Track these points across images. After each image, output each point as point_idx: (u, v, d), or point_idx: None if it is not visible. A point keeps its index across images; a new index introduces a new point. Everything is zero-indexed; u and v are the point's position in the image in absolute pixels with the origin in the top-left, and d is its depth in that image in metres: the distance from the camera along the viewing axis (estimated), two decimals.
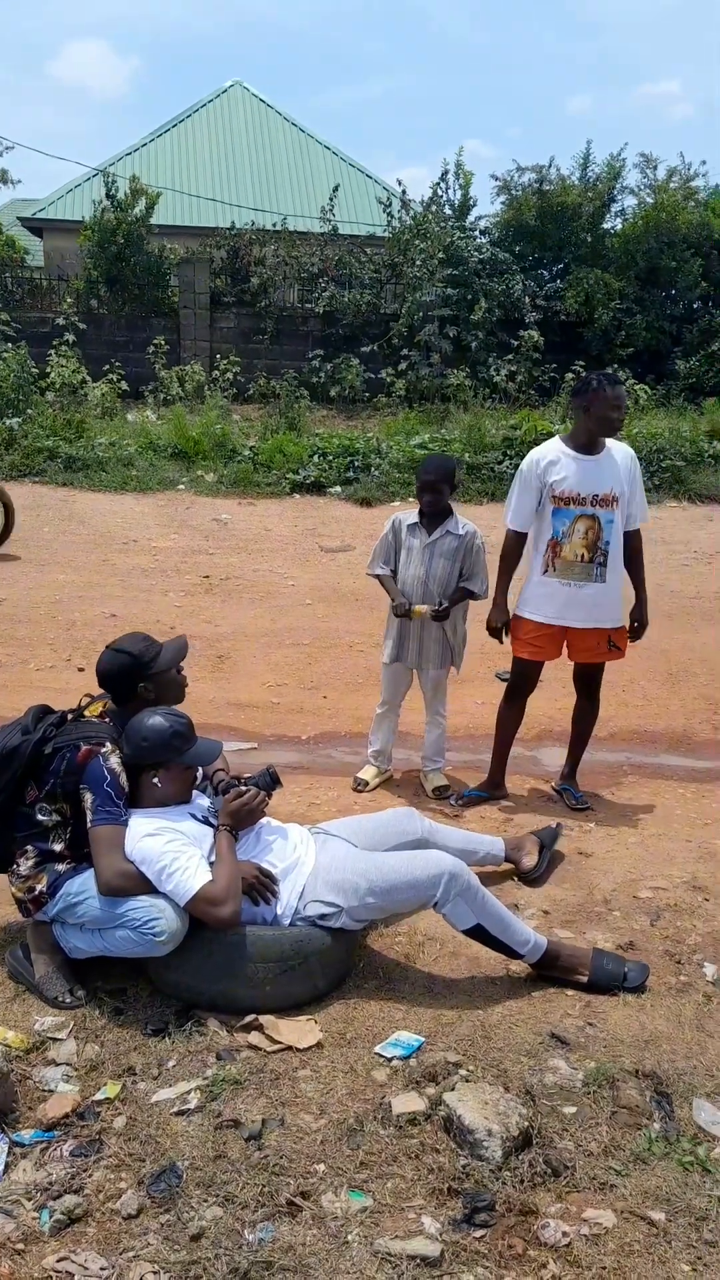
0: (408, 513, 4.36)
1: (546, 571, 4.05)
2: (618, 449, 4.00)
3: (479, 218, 17.62)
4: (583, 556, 3.98)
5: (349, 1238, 2.03)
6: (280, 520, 9.85)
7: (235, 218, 17.65)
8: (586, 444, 3.95)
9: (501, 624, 4.18)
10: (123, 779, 2.89)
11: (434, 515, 4.24)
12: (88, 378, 13.02)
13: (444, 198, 17.22)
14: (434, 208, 16.85)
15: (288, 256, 15.86)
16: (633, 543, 4.08)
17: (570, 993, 2.95)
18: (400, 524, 4.32)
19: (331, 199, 16.59)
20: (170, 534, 9.16)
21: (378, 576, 4.35)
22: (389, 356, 15.23)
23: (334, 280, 15.70)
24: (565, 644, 4.15)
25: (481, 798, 4.30)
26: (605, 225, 17.24)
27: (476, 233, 17.15)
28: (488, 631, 4.23)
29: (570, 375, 14.06)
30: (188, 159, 23.26)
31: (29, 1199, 2.14)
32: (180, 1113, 2.39)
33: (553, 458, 3.99)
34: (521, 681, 4.26)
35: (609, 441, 3.99)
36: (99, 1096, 2.45)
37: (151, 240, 15.86)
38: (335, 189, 16.98)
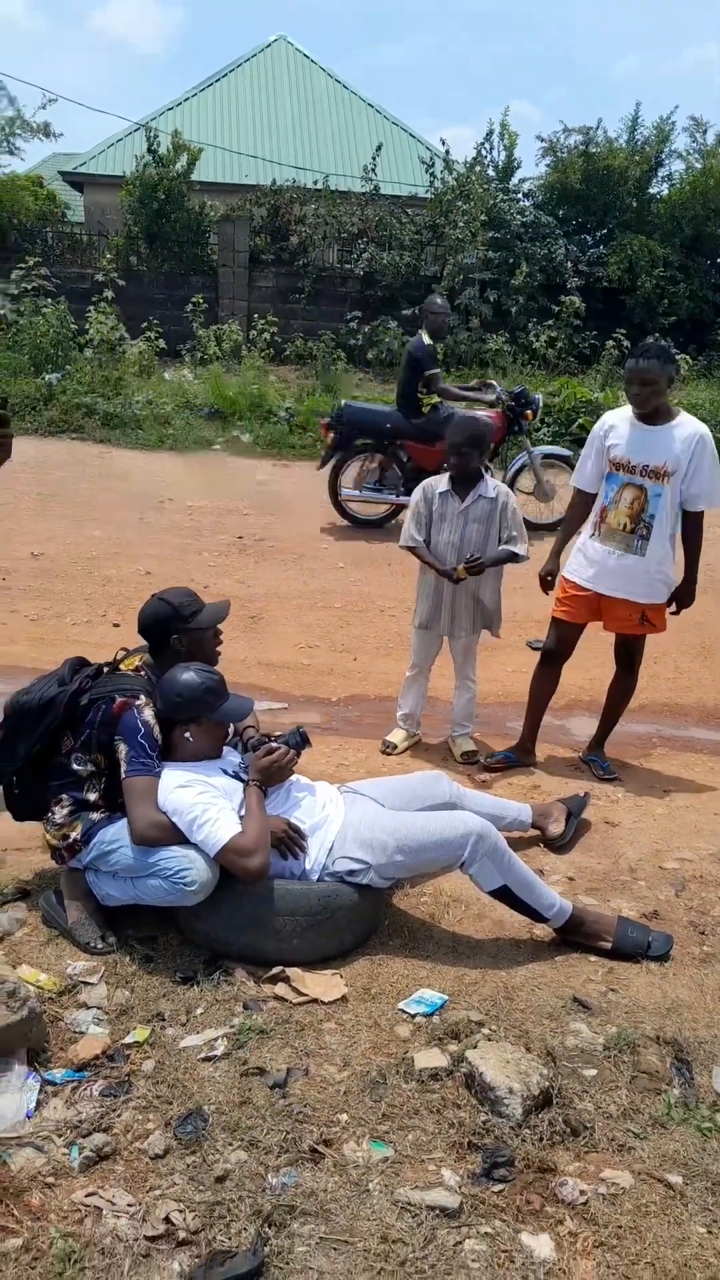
0: (438, 479, 4.32)
1: (593, 535, 4.06)
2: (686, 425, 3.87)
3: (523, 180, 17.34)
4: (625, 526, 3.94)
5: (370, 1186, 2.07)
6: (315, 482, 9.82)
7: (276, 175, 17.45)
8: (645, 414, 3.88)
9: (548, 574, 4.21)
10: (156, 732, 2.93)
11: (465, 480, 4.20)
12: (126, 335, 12.98)
13: (488, 159, 16.91)
14: (477, 169, 16.54)
15: (328, 216, 15.68)
16: (689, 521, 3.97)
17: (593, 959, 2.98)
18: (432, 491, 4.27)
19: (374, 158, 16.33)
20: (205, 493, 9.16)
21: (411, 549, 4.30)
22: None
23: (374, 241, 15.50)
24: (600, 611, 4.12)
25: (510, 760, 4.30)
26: (651, 190, 16.88)
27: (520, 195, 16.86)
28: (539, 581, 4.26)
29: (610, 343, 13.86)
30: (230, 115, 22.98)
31: (59, 1135, 2.19)
32: (207, 1059, 2.44)
33: (615, 422, 3.98)
34: (555, 643, 4.24)
35: (682, 416, 3.91)
36: (128, 1040, 2.50)
37: (192, 197, 15.72)
38: (378, 148, 16.70)
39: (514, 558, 4.20)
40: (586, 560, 4.07)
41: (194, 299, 14.35)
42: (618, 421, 3.97)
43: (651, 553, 3.94)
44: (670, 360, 3.83)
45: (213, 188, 17.61)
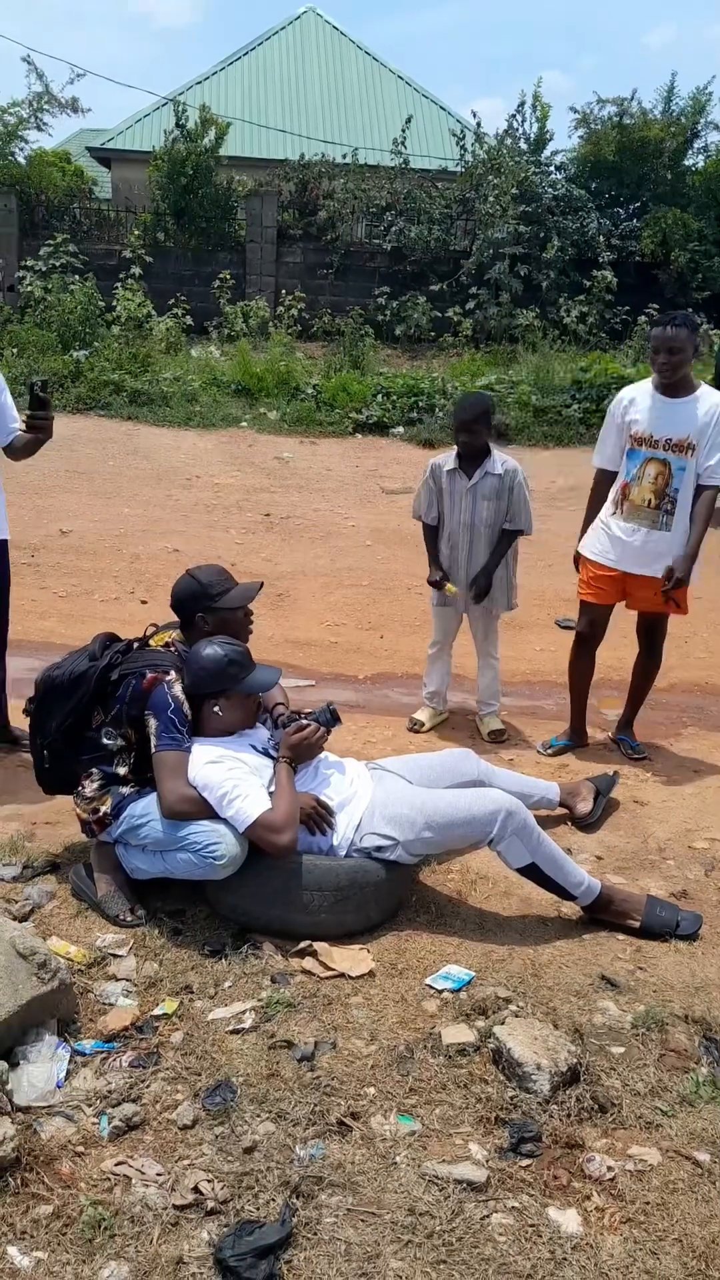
0: (444, 457, 4.27)
1: (615, 513, 3.98)
2: (708, 397, 3.78)
3: (555, 152, 17.08)
4: (650, 502, 3.87)
5: (397, 1159, 2.08)
6: (342, 460, 9.79)
7: (305, 149, 17.30)
8: (667, 386, 3.80)
9: (577, 555, 4.15)
10: (186, 707, 2.94)
11: (472, 457, 4.16)
12: (153, 312, 12.97)
13: (519, 131, 16.66)
14: (509, 141, 16.31)
15: (357, 190, 15.54)
16: (700, 496, 3.83)
17: (621, 937, 2.96)
18: (440, 470, 4.24)
19: (404, 131, 16.16)
20: (232, 471, 9.16)
21: (426, 526, 4.33)
22: (456, 295, 14.92)
23: (403, 215, 15.35)
24: (625, 590, 4.07)
25: (567, 747, 4.28)
26: (687, 162, 16.59)
27: (552, 168, 16.62)
28: (574, 561, 4.20)
29: (643, 318, 13.68)
30: (258, 88, 22.78)
31: (89, 1105, 2.21)
32: (235, 1031, 2.45)
33: (634, 396, 3.89)
34: (587, 626, 4.19)
35: (703, 388, 3.81)
36: (157, 1012, 2.52)
37: (220, 172, 15.63)
38: (408, 120, 16.51)
39: (517, 533, 4.22)
40: (610, 540, 3.99)
41: (221, 275, 14.30)
42: (637, 395, 3.89)
43: (678, 528, 3.85)
44: (697, 329, 3.74)
45: (241, 163, 17.49)
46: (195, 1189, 1.96)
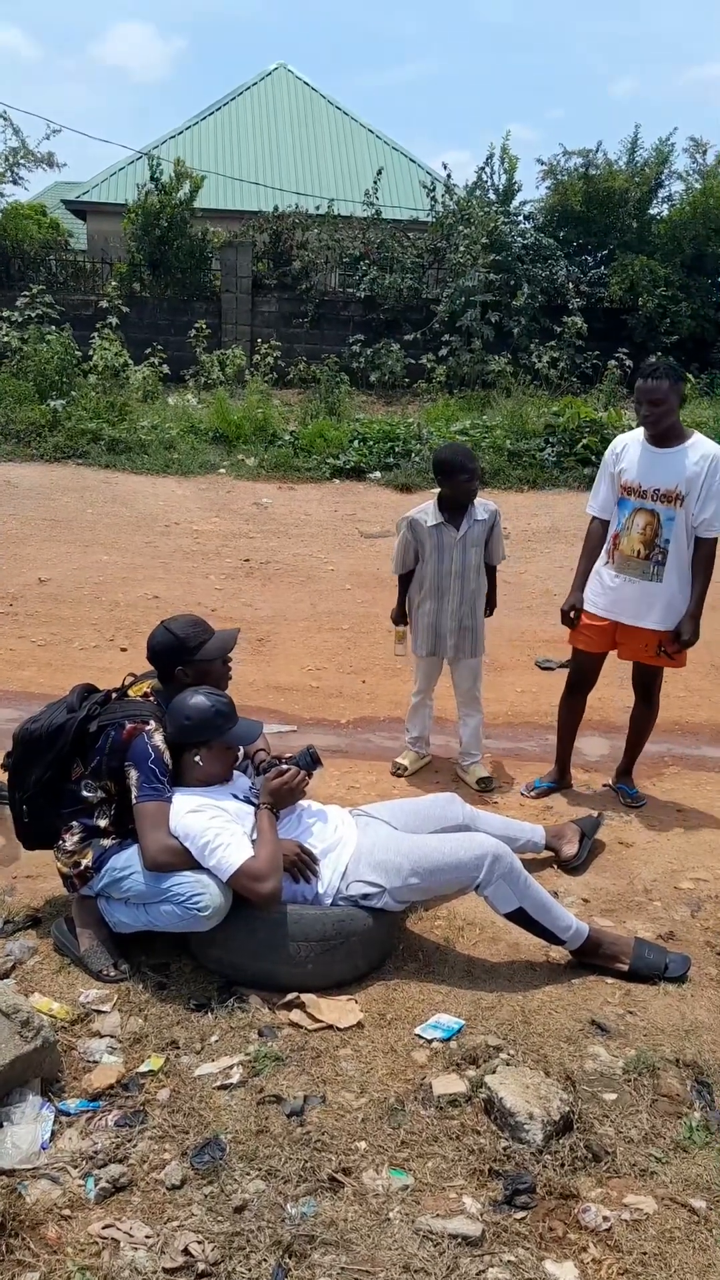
0: (421, 511, 4.22)
1: (607, 563, 3.96)
2: (699, 447, 3.75)
3: (523, 202, 17.39)
4: (640, 553, 3.83)
5: (390, 1214, 2.05)
6: (320, 505, 9.84)
7: (278, 201, 17.60)
8: (656, 436, 3.78)
9: (570, 608, 4.03)
10: (166, 756, 2.92)
11: (459, 506, 4.14)
12: (130, 361, 13.05)
13: (488, 182, 17.00)
14: (478, 192, 16.66)
15: (330, 240, 15.79)
16: (700, 550, 3.81)
17: (610, 981, 2.95)
18: (420, 526, 4.20)
19: (375, 183, 16.47)
20: (211, 517, 9.19)
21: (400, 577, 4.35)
22: (430, 342, 15.13)
23: (376, 264, 15.60)
24: (616, 640, 4.04)
25: (551, 788, 4.28)
26: (652, 211, 16.95)
27: (520, 218, 16.95)
28: (561, 615, 4.12)
29: (613, 363, 13.90)
30: (231, 142, 23.21)
31: (75, 1167, 2.17)
32: (223, 1087, 2.42)
33: (626, 444, 3.89)
34: (578, 674, 4.18)
35: (695, 437, 3.78)
36: (143, 1069, 2.48)
37: (194, 223, 15.84)
38: (379, 173, 16.84)
39: (493, 571, 4.31)
40: (602, 588, 3.97)
41: (197, 325, 14.44)
42: (628, 444, 3.88)
43: (669, 579, 3.82)
44: (680, 378, 3.71)
45: (215, 214, 17.75)
46: (185, 1251, 1.92)
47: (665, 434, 3.75)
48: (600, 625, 4.00)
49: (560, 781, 4.32)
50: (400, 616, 4.36)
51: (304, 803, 3.11)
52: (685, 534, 3.79)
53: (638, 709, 4.20)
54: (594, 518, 4.01)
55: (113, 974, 2.85)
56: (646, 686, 4.13)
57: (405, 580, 4.34)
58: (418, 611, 4.32)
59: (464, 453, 4.14)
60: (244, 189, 20.83)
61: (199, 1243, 1.95)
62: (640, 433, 3.85)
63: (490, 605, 4.36)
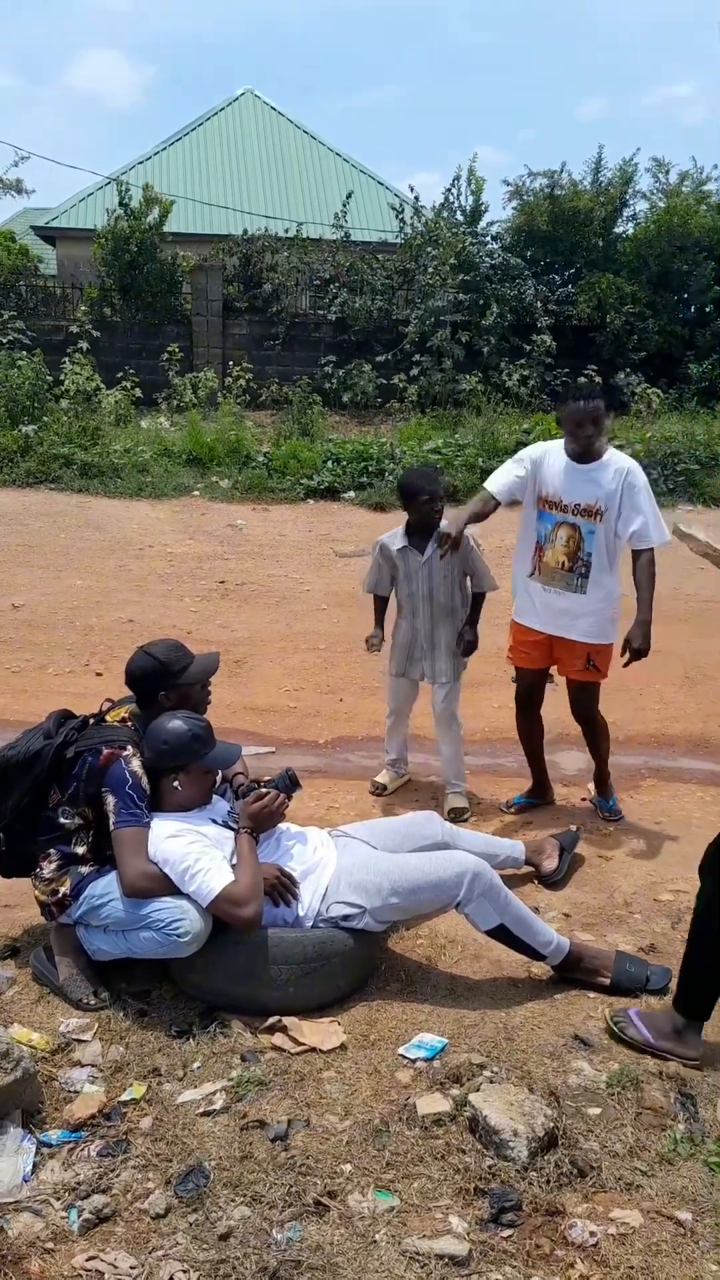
0: (389, 536, 4.26)
1: (532, 574, 3.98)
2: (615, 462, 3.80)
3: (491, 223, 17.63)
4: (564, 564, 3.88)
5: (377, 1237, 2.04)
6: (295, 526, 9.87)
7: (247, 224, 17.72)
8: (575, 452, 3.81)
9: (450, 531, 3.77)
10: (144, 782, 2.91)
11: (424, 531, 4.14)
12: (102, 385, 13.06)
13: (456, 204, 17.23)
14: (446, 214, 16.86)
15: (300, 263, 15.91)
16: (639, 560, 3.81)
17: (592, 995, 2.96)
18: (389, 549, 4.23)
19: (344, 206, 16.64)
20: (185, 540, 9.19)
21: (377, 596, 4.33)
22: (401, 362, 15.24)
23: (346, 286, 15.73)
24: (553, 654, 4.05)
25: (530, 804, 4.29)
26: (617, 229, 17.21)
27: (488, 238, 17.15)
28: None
29: (582, 379, 14.05)
30: (200, 167, 23.36)
31: (57, 1198, 2.15)
32: (206, 1113, 2.40)
33: (548, 456, 3.89)
34: (523, 690, 4.19)
35: (610, 453, 3.83)
36: (125, 1097, 2.46)
37: (164, 248, 15.92)
38: (348, 195, 17.02)
39: (480, 598, 4.22)
40: (531, 602, 4.00)
41: (169, 348, 14.48)
42: (550, 456, 3.88)
43: (592, 590, 3.86)
44: (612, 402, 3.78)
45: (185, 238, 17.85)
46: None
47: (590, 451, 3.80)
48: (536, 639, 4.03)
49: (542, 798, 4.34)
50: (377, 639, 4.29)
51: (283, 825, 3.10)
52: (606, 548, 3.84)
53: (586, 734, 4.20)
54: (491, 493, 3.87)
55: (93, 1002, 2.83)
56: (584, 715, 4.11)
57: (380, 602, 4.35)
58: (395, 631, 4.34)
59: (424, 475, 4.17)
60: (213, 213, 20.96)
61: (184, 1271, 1.93)
62: (560, 445, 3.87)
63: (466, 641, 4.19)
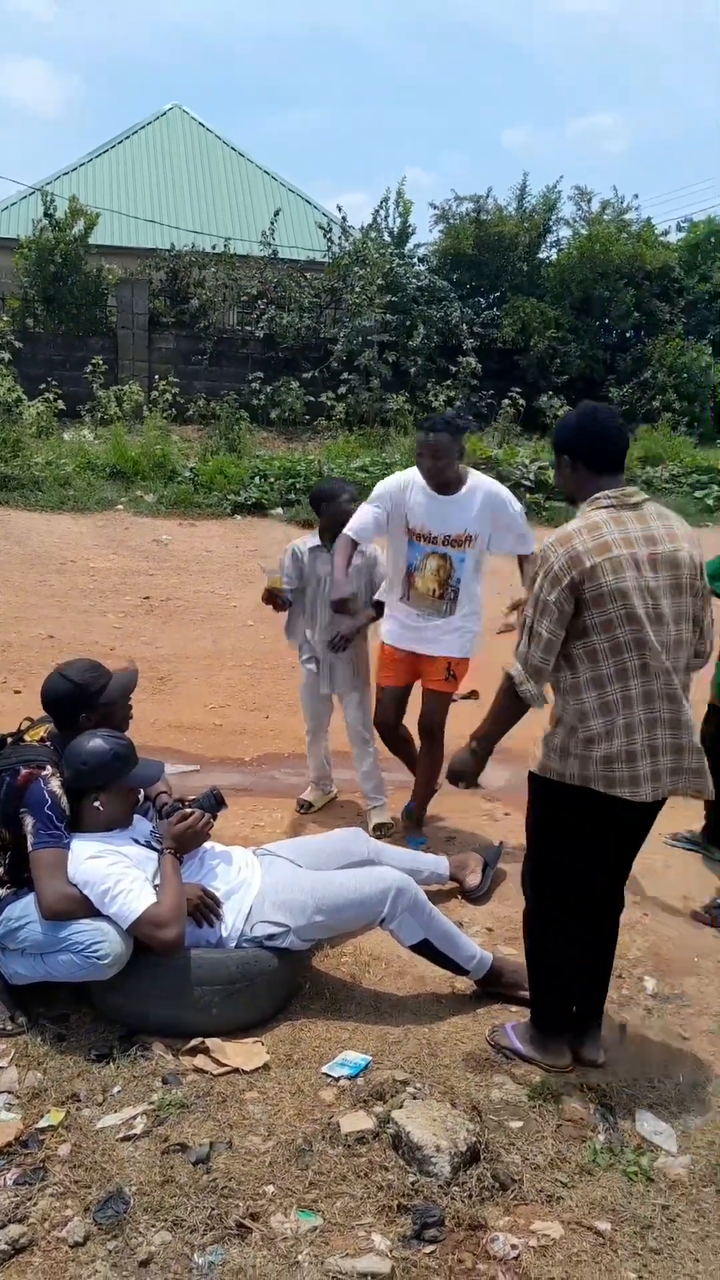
0: (303, 541, 4.31)
1: (402, 598, 4.01)
2: (481, 488, 3.86)
3: (418, 245, 17.89)
4: (434, 592, 3.93)
5: (299, 1258, 2.03)
6: (222, 541, 9.83)
7: (174, 239, 17.67)
8: (433, 484, 3.84)
9: (341, 599, 3.84)
10: (64, 802, 2.86)
11: (337, 534, 4.08)
12: (23, 396, 12.85)
13: (384, 225, 17.43)
14: (374, 234, 17.04)
15: (228, 279, 15.91)
16: (524, 565, 3.87)
17: (514, 1009, 2.98)
18: (300, 552, 4.26)
19: (272, 223, 16.70)
20: (109, 554, 9.08)
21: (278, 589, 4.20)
22: (329, 380, 15.32)
23: (274, 303, 15.76)
24: (418, 670, 4.08)
25: (421, 843, 4.15)
26: (541, 255, 17.62)
27: (415, 260, 17.38)
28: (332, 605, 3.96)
29: (507, 401, 14.30)
30: (127, 180, 23.24)
31: None
32: (126, 1138, 2.36)
33: (409, 489, 3.88)
34: (390, 705, 4.16)
35: (471, 479, 3.87)
36: (42, 1124, 2.41)
37: (90, 260, 15.78)
38: (276, 213, 17.08)
39: (381, 608, 4.18)
40: (400, 625, 4.03)
41: (93, 360, 14.32)
42: (411, 489, 3.88)
43: (459, 610, 3.94)
44: (460, 431, 3.82)
45: (111, 251, 17.71)
46: None
47: (448, 482, 3.83)
48: (402, 657, 4.06)
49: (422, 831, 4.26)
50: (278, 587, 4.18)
51: (208, 844, 3.08)
52: (474, 566, 3.93)
53: (424, 752, 4.19)
54: (353, 540, 3.91)
55: (9, 1027, 2.77)
56: (431, 728, 4.13)
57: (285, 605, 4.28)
58: (302, 643, 4.34)
59: (339, 480, 4.22)
60: (140, 226, 20.85)
61: None
62: (417, 476, 3.88)
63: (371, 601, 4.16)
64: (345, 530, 3.93)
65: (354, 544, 3.92)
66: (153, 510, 10.62)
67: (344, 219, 17.14)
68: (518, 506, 3.95)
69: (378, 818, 4.28)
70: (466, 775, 2.76)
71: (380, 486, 3.96)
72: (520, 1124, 2.47)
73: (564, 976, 2.73)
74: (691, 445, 14.62)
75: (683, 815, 4.27)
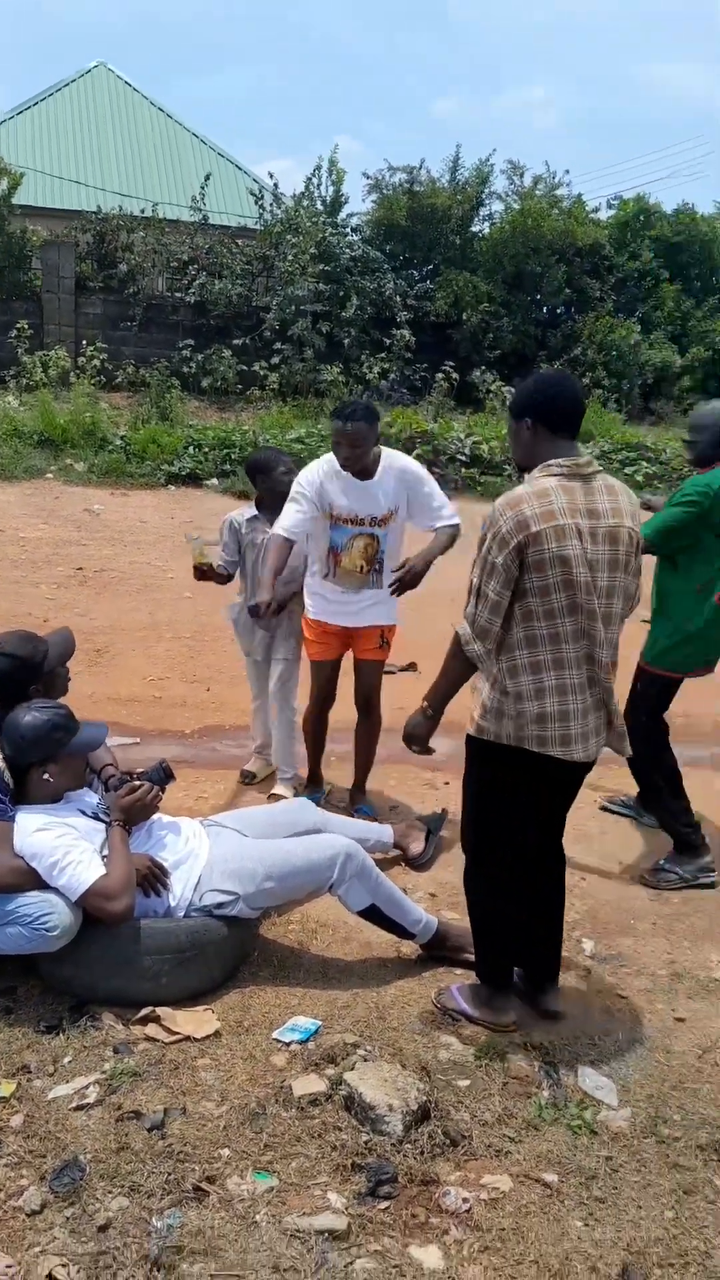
0: (240, 512, 4.33)
1: (326, 576, 4.02)
2: (394, 466, 3.89)
3: (350, 215, 17.72)
4: (361, 568, 3.97)
5: (257, 1218, 2.06)
6: (155, 512, 9.70)
7: (101, 201, 17.24)
8: (355, 471, 3.84)
9: (265, 604, 3.80)
10: (6, 776, 2.84)
11: (275, 505, 4.09)
12: None
13: (316, 193, 17.22)
14: (306, 203, 16.83)
15: (157, 244, 15.59)
16: (444, 532, 3.88)
17: (459, 971, 3.05)
18: (238, 524, 4.27)
19: (203, 188, 16.38)
20: (39, 524, 8.90)
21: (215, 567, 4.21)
22: (261, 350, 15.16)
23: (205, 269, 15.51)
24: (349, 642, 4.13)
25: (316, 799, 4.09)
26: (474, 229, 17.61)
27: (348, 230, 17.24)
28: (248, 610, 3.98)
29: (440, 375, 14.32)
30: (51, 139, 22.57)
31: None
32: (79, 1108, 2.37)
33: (323, 479, 3.89)
34: (323, 682, 4.20)
35: (384, 459, 3.89)
36: None
37: (13, 221, 15.32)
38: (207, 177, 16.76)
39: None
40: (327, 600, 4.04)
41: (18, 325, 13.94)
42: (325, 478, 3.89)
43: (385, 580, 3.95)
44: (377, 417, 3.85)
45: (34, 212, 17.22)
46: (50, 1276, 1.88)
47: (366, 468, 3.85)
48: (332, 631, 4.08)
49: (314, 788, 4.33)
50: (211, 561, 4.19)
51: (156, 816, 3.08)
52: (395, 542, 3.98)
53: (361, 725, 4.24)
54: (284, 539, 3.89)
55: None
56: (367, 699, 4.18)
57: (224, 580, 4.29)
58: (239, 611, 4.31)
59: (275, 451, 4.26)
60: (65, 187, 20.32)
61: (63, 1266, 1.91)
62: (333, 464, 3.88)
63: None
64: (277, 529, 3.88)
65: (290, 543, 3.90)
66: (83, 479, 10.44)
67: (276, 185, 16.93)
68: (432, 482, 3.95)
69: (279, 790, 4.28)
70: (419, 738, 2.80)
71: (297, 486, 3.93)
72: (468, 1082, 2.54)
73: (506, 933, 2.80)
74: (620, 422, 14.85)
75: (615, 779, 4.39)
